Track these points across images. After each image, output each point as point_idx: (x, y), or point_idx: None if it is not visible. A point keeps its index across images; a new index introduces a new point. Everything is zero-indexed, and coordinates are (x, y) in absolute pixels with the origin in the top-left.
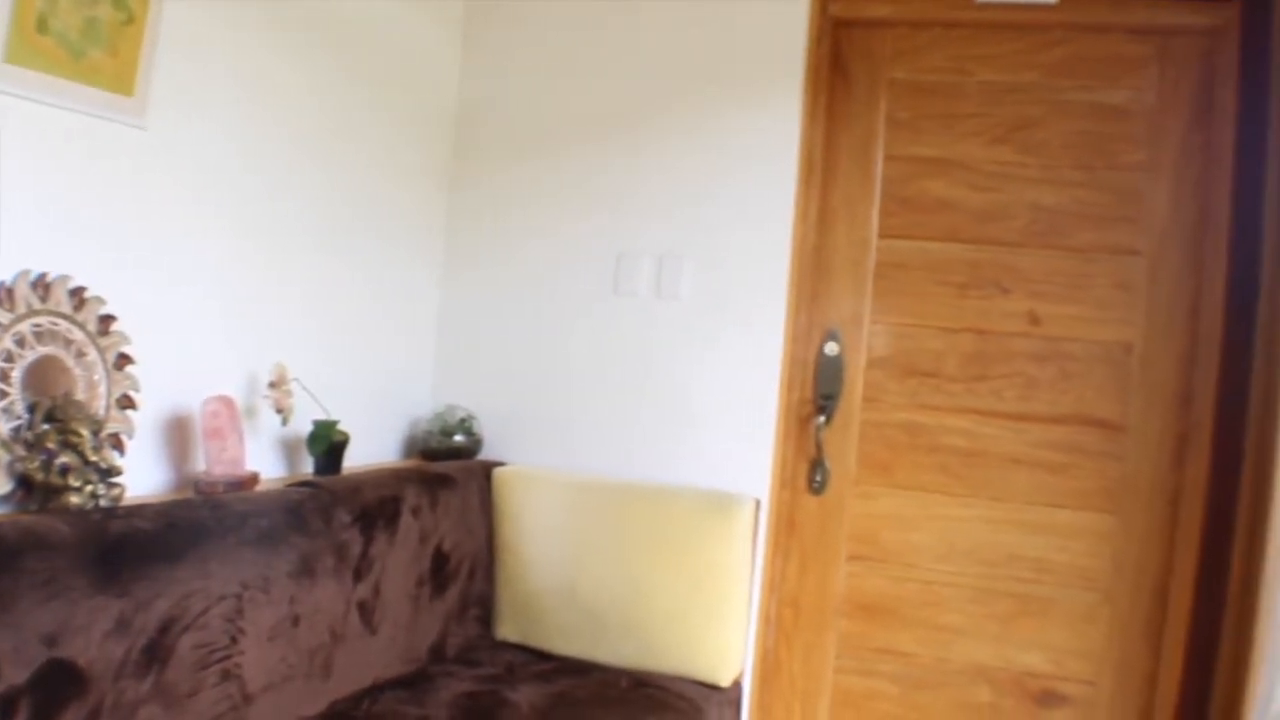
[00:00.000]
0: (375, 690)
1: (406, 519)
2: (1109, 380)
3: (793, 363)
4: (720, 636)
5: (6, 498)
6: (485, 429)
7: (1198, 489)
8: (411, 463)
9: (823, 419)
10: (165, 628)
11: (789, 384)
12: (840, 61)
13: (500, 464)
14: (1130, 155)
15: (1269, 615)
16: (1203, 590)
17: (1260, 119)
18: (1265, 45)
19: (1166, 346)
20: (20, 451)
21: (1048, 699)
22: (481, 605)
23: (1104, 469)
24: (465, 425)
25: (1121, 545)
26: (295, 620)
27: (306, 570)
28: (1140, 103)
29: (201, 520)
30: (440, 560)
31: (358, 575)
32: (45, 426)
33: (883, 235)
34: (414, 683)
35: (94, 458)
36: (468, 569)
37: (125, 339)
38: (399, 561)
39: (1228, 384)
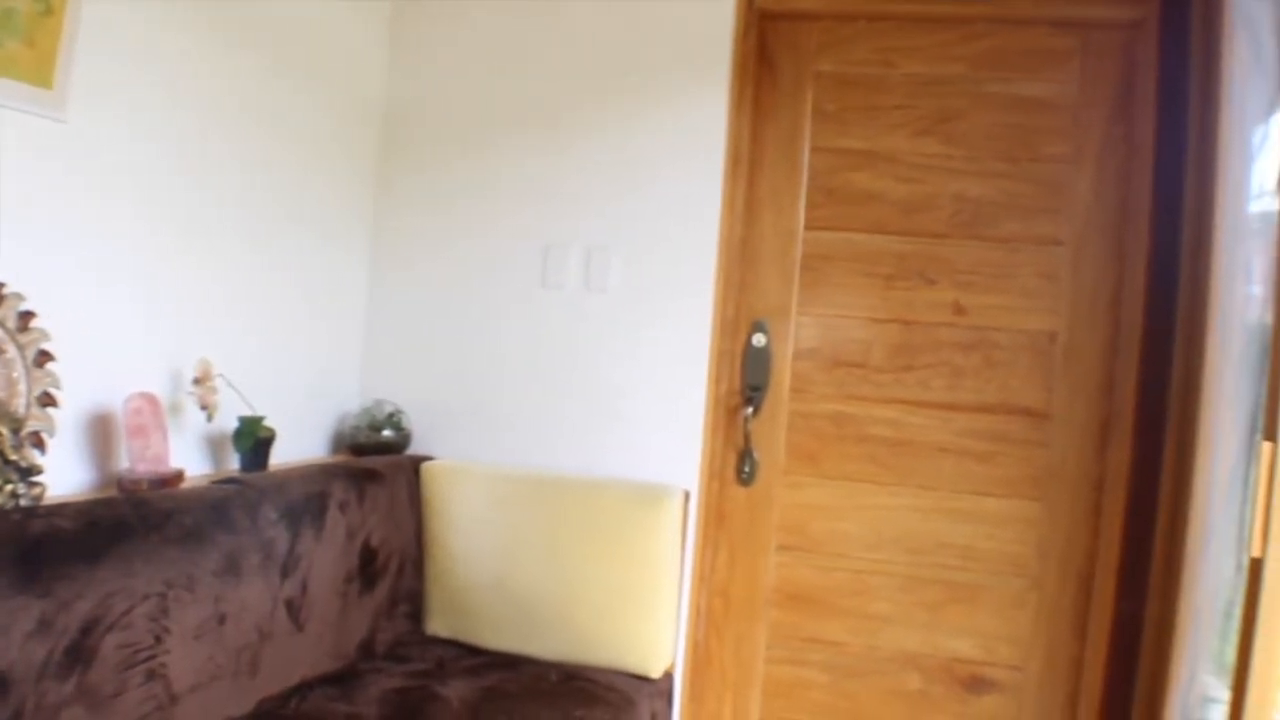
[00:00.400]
0: (304, 688)
1: (334, 515)
2: (1034, 369)
3: (720, 354)
4: (650, 628)
5: None
6: (414, 423)
7: (1120, 475)
8: (339, 458)
9: (751, 410)
10: (88, 628)
11: (717, 375)
12: (766, 54)
13: (429, 458)
14: (1053, 147)
15: (1189, 599)
16: (1126, 575)
17: (1179, 111)
18: (1183, 39)
19: (1090, 335)
20: None
21: (976, 684)
22: (411, 601)
23: (1030, 456)
24: (394, 420)
25: (1047, 532)
26: (221, 619)
27: (232, 568)
28: (1063, 95)
29: (124, 519)
30: (369, 556)
31: (285, 572)
32: None
33: (809, 227)
34: (343, 680)
35: (14, 456)
36: (397, 564)
37: (45, 335)
38: (326, 558)
39: (1149, 372)
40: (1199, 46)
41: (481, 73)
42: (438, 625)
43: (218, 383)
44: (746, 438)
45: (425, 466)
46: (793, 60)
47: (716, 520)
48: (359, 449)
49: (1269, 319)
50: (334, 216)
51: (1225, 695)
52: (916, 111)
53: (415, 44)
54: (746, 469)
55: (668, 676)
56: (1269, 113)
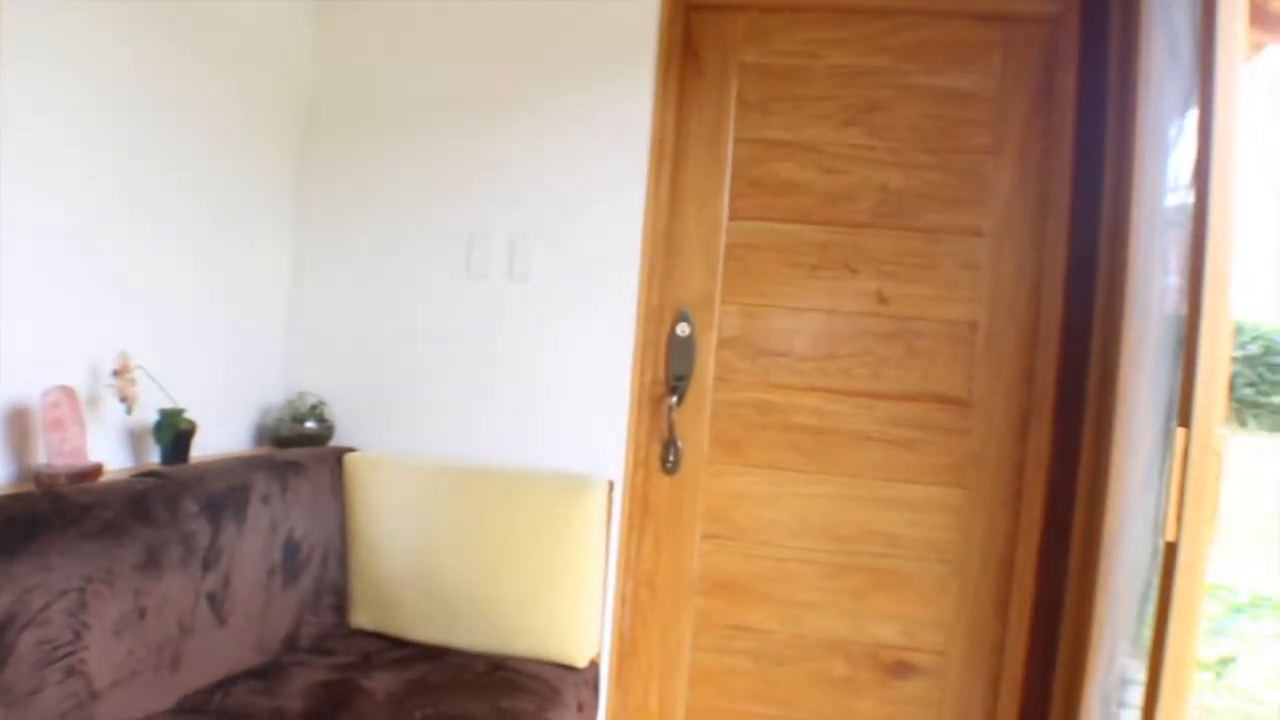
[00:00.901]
0: (227, 682)
1: (256, 508)
2: (955, 358)
3: (645, 344)
4: (576, 618)
5: None
6: (337, 415)
7: (1041, 462)
8: (262, 450)
9: (675, 399)
10: (4, 625)
11: (641, 365)
12: (692, 44)
13: (352, 450)
14: (975, 139)
15: (1108, 583)
16: (1046, 560)
17: (1098, 104)
18: (1103, 32)
19: (1010, 325)
20: None
21: (901, 670)
22: (336, 594)
23: (952, 444)
24: (316, 411)
25: (969, 518)
26: (142, 613)
27: (153, 562)
28: (985, 88)
29: (40, 513)
30: (292, 549)
31: (206, 566)
32: None
33: (733, 217)
34: (267, 673)
35: None
36: (320, 557)
37: None
38: (249, 551)
39: (1068, 361)
40: (1118, 42)
41: (408, 61)
42: (363, 618)
43: (137, 375)
44: (671, 427)
45: (348, 458)
46: (718, 50)
47: (641, 509)
48: (282, 441)
49: (1184, 310)
50: (255, 204)
51: (1143, 677)
52: (841, 102)
53: (339, 28)
54: (671, 458)
55: (594, 666)
56: (1184, 108)
